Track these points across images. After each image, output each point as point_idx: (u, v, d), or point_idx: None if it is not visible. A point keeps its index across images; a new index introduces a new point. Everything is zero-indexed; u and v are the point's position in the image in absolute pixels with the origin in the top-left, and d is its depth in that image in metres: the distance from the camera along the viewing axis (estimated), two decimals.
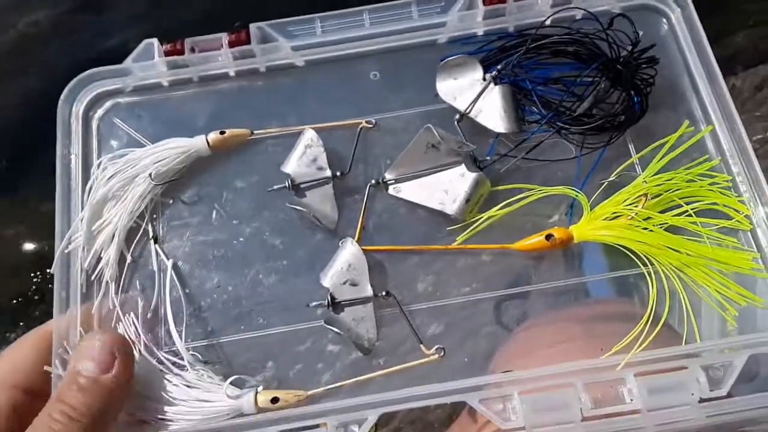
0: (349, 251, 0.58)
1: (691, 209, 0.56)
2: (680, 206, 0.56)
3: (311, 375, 0.58)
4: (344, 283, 0.58)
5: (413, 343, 0.58)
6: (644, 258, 0.55)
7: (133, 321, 0.59)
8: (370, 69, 0.68)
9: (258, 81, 0.69)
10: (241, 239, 0.63)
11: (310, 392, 0.55)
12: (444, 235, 0.61)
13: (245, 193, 0.64)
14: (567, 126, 0.62)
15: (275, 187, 0.62)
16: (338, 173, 0.62)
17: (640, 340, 0.52)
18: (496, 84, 0.63)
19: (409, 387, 0.54)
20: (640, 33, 0.64)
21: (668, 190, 0.57)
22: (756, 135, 1.34)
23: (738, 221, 0.55)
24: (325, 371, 0.58)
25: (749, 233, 0.56)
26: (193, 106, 0.68)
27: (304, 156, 0.63)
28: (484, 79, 0.63)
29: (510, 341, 0.58)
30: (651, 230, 0.54)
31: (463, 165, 0.61)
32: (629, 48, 0.61)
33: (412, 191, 0.62)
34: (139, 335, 0.58)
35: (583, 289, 0.58)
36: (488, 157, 0.62)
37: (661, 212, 0.57)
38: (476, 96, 0.63)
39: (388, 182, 0.63)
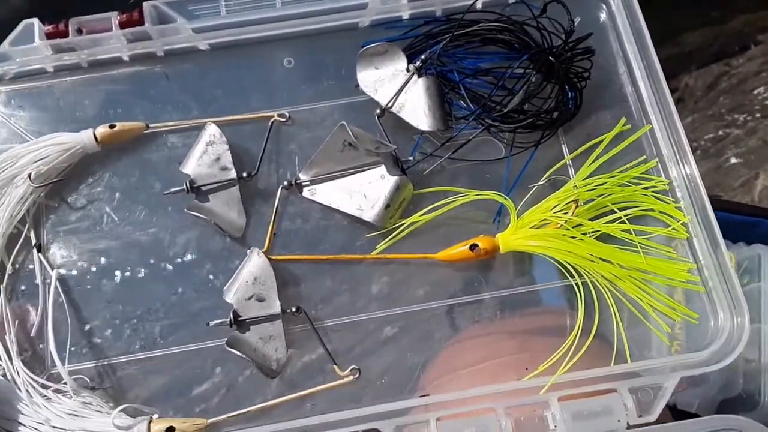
0: (254, 263, 0.52)
1: (625, 216, 0.52)
2: (614, 212, 0.52)
3: (212, 401, 0.52)
4: (250, 299, 0.52)
5: (327, 363, 0.52)
6: (575, 269, 0.51)
7: (12, 338, 0.52)
8: (283, 55, 0.61)
9: (155, 67, 0.61)
10: (136, 248, 0.56)
11: (210, 420, 0.50)
12: (363, 243, 0.55)
13: (140, 195, 0.57)
14: (497, 123, 0.56)
15: (172, 189, 0.55)
16: (245, 174, 0.55)
17: (566, 360, 0.48)
18: (420, 76, 0.57)
19: (321, 413, 0.49)
20: (577, 20, 0.59)
21: (601, 195, 0.52)
22: (708, 134, 1.33)
23: (674, 229, 0.51)
24: (229, 396, 0.52)
25: (686, 242, 0.52)
26: (82, 95, 0.60)
27: (206, 154, 0.56)
28: (408, 70, 0.57)
29: (440, 357, 0.54)
30: (580, 239, 0.50)
31: (383, 166, 0.55)
32: (563, 37, 0.56)
33: (328, 194, 0.56)
34: (11, 356, 0.51)
35: (524, 299, 0.54)
36: (411, 158, 0.57)
37: (593, 219, 0.52)
38: (399, 89, 0.57)
39: (303, 184, 0.56)
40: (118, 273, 0.55)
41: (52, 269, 0.55)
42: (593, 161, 0.54)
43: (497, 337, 0.54)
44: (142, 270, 0.55)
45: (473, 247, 0.51)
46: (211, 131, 0.56)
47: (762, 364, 0.75)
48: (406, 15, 0.61)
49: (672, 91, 1.41)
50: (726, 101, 1.35)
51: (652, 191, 0.53)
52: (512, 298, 0.53)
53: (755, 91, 1.36)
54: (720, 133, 1.31)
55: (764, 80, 1.37)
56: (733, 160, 1.28)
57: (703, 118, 1.34)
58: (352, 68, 0.59)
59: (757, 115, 1.33)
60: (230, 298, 0.52)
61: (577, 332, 0.49)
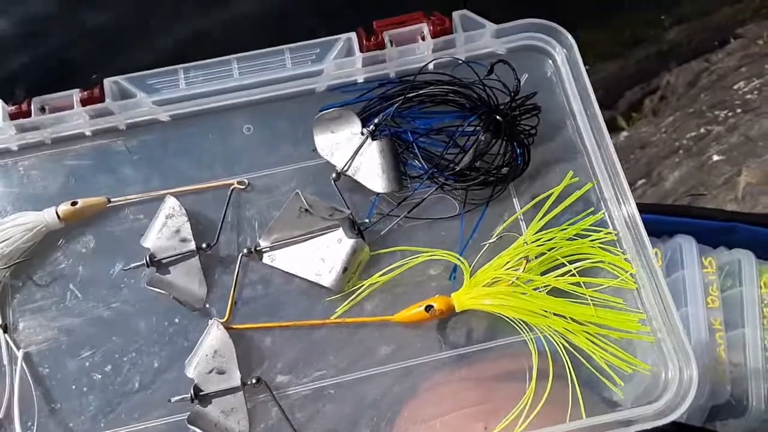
0: (214, 336, 0.53)
1: (575, 269, 0.53)
2: (565, 265, 0.53)
3: None
4: (210, 372, 0.52)
5: None
6: (528, 324, 0.52)
7: None
8: (243, 123, 0.62)
9: (117, 140, 0.62)
10: (100, 324, 0.56)
11: None
12: (324, 307, 0.56)
13: (103, 270, 0.58)
14: (450, 181, 0.58)
15: (132, 265, 0.56)
16: (204, 245, 0.57)
17: (523, 418, 0.49)
18: (374, 139, 0.58)
19: None
20: (524, 77, 0.61)
21: (552, 249, 0.54)
22: (690, 132, 1.33)
23: (623, 280, 0.53)
24: None
25: (635, 293, 0.53)
26: (46, 171, 0.61)
27: (166, 227, 0.57)
28: (362, 134, 0.59)
29: (403, 412, 0.54)
30: (531, 295, 0.51)
31: (340, 229, 0.56)
32: (512, 95, 0.58)
33: (287, 260, 0.57)
34: None
35: (482, 356, 0.54)
36: (368, 220, 0.58)
37: (545, 273, 0.54)
38: (353, 152, 0.58)
39: (263, 250, 0.58)
40: (82, 350, 0.55)
41: (18, 349, 0.56)
42: (543, 216, 0.55)
43: (459, 387, 0.55)
44: (106, 346, 0.55)
45: (428, 308, 0.52)
46: (170, 204, 0.57)
47: (748, 369, 0.76)
48: (360, 78, 0.63)
49: (654, 90, 1.40)
50: (707, 98, 1.36)
51: (600, 243, 0.54)
52: (470, 356, 0.54)
53: (735, 86, 1.37)
54: (702, 130, 1.32)
55: (744, 75, 1.38)
56: (716, 158, 1.29)
57: (684, 117, 1.35)
58: (309, 132, 0.60)
59: (738, 110, 1.34)
60: (191, 372, 0.52)
61: (531, 392, 0.50)
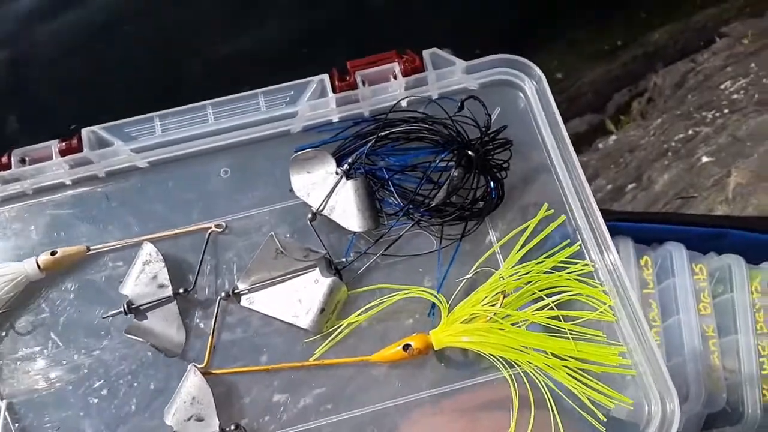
0: (192, 382, 0.53)
1: (553, 302, 0.52)
2: (542, 298, 0.53)
3: None
4: (189, 419, 0.52)
5: None
6: (506, 361, 0.51)
7: None
8: (220, 166, 0.63)
9: (97, 187, 0.63)
10: (82, 372, 0.56)
11: None
12: (303, 349, 0.56)
13: (83, 318, 0.58)
14: (426, 217, 0.58)
15: (110, 313, 0.56)
16: (182, 290, 0.57)
17: None
18: (348, 178, 0.59)
19: None
20: (497, 110, 0.61)
21: (529, 283, 0.53)
22: (678, 134, 1.32)
23: (602, 312, 0.52)
24: None
25: (614, 325, 0.53)
26: (28, 221, 0.62)
27: (143, 274, 0.57)
28: (337, 173, 0.59)
29: None
30: (507, 331, 0.50)
31: (317, 269, 0.56)
32: (484, 130, 0.58)
33: (265, 302, 0.57)
34: None
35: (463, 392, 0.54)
36: (344, 259, 0.58)
37: (522, 307, 0.53)
38: (328, 192, 0.59)
39: (241, 293, 0.58)
40: (63, 399, 0.55)
41: (2, 399, 0.55)
42: (519, 249, 0.55)
43: (442, 419, 0.54)
44: (87, 395, 0.55)
45: (406, 347, 0.52)
46: (147, 250, 0.57)
47: (743, 375, 0.74)
48: (335, 118, 0.63)
49: (641, 92, 1.40)
50: (694, 99, 1.36)
51: (577, 275, 0.54)
52: (451, 393, 0.53)
53: (722, 86, 1.37)
54: (690, 132, 1.32)
55: (730, 75, 1.38)
56: (705, 159, 1.28)
57: (672, 118, 1.34)
58: (286, 173, 0.60)
59: (725, 111, 1.33)
60: (170, 419, 0.52)
61: (515, 427, 0.49)
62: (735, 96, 1.36)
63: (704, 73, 1.40)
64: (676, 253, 0.79)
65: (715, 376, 0.75)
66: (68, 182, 0.63)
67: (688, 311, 0.76)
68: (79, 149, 0.61)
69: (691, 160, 1.29)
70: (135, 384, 0.56)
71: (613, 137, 1.36)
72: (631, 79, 1.41)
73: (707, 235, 0.84)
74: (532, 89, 0.62)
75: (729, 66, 1.40)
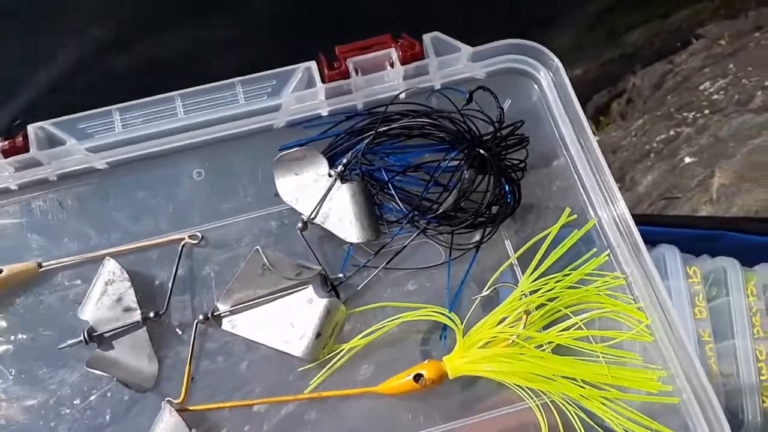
0: (167, 423, 0.45)
1: (581, 321, 0.46)
2: (568, 317, 0.47)
3: None
4: None
5: None
6: (531, 389, 0.45)
7: None
8: (192, 167, 0.55)
9: (49, 193, 0.54)
10: (34, 411, 0.48)
11: None
12: (297, 377, 0.49)
13: (36, 347, 0.50)
14: (433, 225, 0.51)
15: (68, 342, 0.48)
16: (152, 314, 0.49)
17: None
18: (343, 181, 0.52)
19: None
20: (508, 103, 0.55)
21: (552, 299, 0.47)
22: (660, 135, 1.31)
23: (638, 332, 0.46)
24: None
25: (651, 346, 0.47)
26: None
27: (105, 295, 0.49)
28: (330, 176, 0.52)
29: None
30: (531, 356, 0.44)
31: (310, 287, 0.49)
32: (497, 125, 0.51)
33: (250, 326, 0.49)
34: None
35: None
36: (341, 274, 0.51)
37: (546, 327, 0.47)
38: (321, 198, 0.51)
39: (222, 315, 0.50)
40: None
41: None
42: (539, 261, 0.48)
43: None
44: None
45: (418, 377, 0.45)
46: (109, 268, 0.49)
47: (742, 382, 0.71)
48: (324, 112, 0.56)
49: (620, 93, 1.40)
50: (674, 100, 1.35)
51: (608, 289, 0.48)
52: (467, 426, 0.47)
53: (701, 87, 1.35)
54: (671, 132, 1.30)
55: (708, 75, 1.37)
56: (688, 160, 1.27)
57: (653, 119, 1.33)
58: (269, 174, 0.53)
59: (706, 111, 1.32)
60: None
61: None
62: (715, 96, 1.36)
63: (683, 74, 1.40)
64: (670, 255, 0.75)
65: (713, 383, 0.72)
66: (14, 187, 0.54)
67: (684, 316, 0.72)
68: (25, 149, 0.52)
69: (673, 161, 1.28)
70: (100, 422, 0.48)
71: (595, 138, 1.34)
72: (610, 81, 1.39)
73: (698, 237, 0.82)
74: (548, 80, 0.55)
75: (707, 67, 1.40)
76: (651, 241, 0.81)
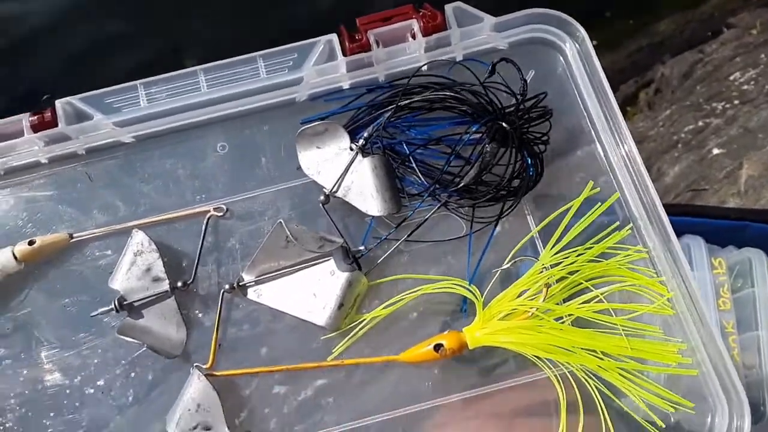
0: (196, 387, 0.47)
1: (602, 294, 0.46)
2: (589, 289, 0.47)
3: None
4: (195, 428, 0.46)
5: None
6: (549, 360, 0.46)
7: None
8: (216, 141, 0.56)
9: (77, 166, 0.55)
10: (68, 375, 0.50)
11: None
12: (320, 345, 0.50)
13: (70, 314, 0.52)
14: (454, 198, 0.51)
15: (100, 311, 0.50)
16: (180, 283, 0.50)
17: None
18: (365, 155, 0.52)
19: None
20: (531, 74, 0.54)
21: (573, 273, 0.47)
22: (688, 125, 1.29)
23: (659, 305, 0.46)
24: None
25: (673, 319, 0.47)
26: (0, 206, 0.55)
27: (135, 266, 0.50)
28: (351, 149, 0.52)
29: None
30: (551, 328, 0.45)
31: (332, 260, 0.50)
32: (518, 98, 0.51)
33: (275, 296, 0.51)
34: None
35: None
36: (363, 247, 0.51)
37: (566, 300, 0.47)
38: (342, 171, 0.52)
39: (247, 285, 0.51)
40: (50, 404, 0.49)
41: None
42: (561, 234, 0.48)
43: (475, 425, 0.49)
44: (76, 400, 0.49)
45: (438, 347, 0.46)
46: (138, 239, 0.50)
47: (764, 374, 0.71)
48: (346, 85, 0.56)
49: (648, 83, 1.38)
50: (703, 90, 1.33)
51: (630, 263, 0.48)
52: (485, 395, 0.48)
53: (731, 77, 1.33)
54: (700, 123, 1.28)
55: (739, 65, 1.34)
56: (716, 151, 1.25)
57: (681, 110, 1.31)
58: (292, 148, 0.53)
59: (736, 102, 1.30)
60: (173, 429, 0.46)
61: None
62: (745, 87, 1.33)
63: (713, 64, 1.36)
64: (695, 246, 0.74)
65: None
66: (44, 161, 0.55)
67: (708, 307, 0.71)
68: (54, 124, 0.53)
69: (701, 152, 1.26)
70: (131, 388, 0.50)
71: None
72: (638, 70, 1.37)
73: (725, 228, 0.80)
74: (574, 51, 0.54)
75: (738, 57, 1.36)
76: (676, 232, 0.80)
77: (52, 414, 0.49)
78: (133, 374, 0.50)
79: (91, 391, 0.50)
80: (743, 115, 1.28)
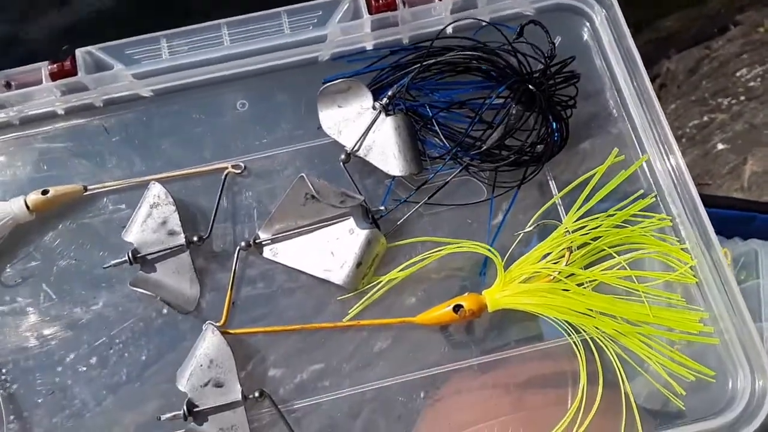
0: (209, 343, 0.46)
1: (625, 261, 0.46)
2: (612, 256, 0.46)
3: None
4: (206, 385, 0.45)
5: None
6: (572, 325, 0.45)
7: None
8: (236, 98, 0.55)
9: (94, 119, 0.55)
10: (77, 329, 0.49)
11: None
12: (335, 306, 0.49)
13: (80, 267, 0.51)
14: (476, 162, 0.51)
15: (112, 262, 0.49)
16: (196, 238, 0.49)
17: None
18: (388, 114, 0.51)
19: None
20: (557, 40, 0.53)
21: (596, 239, 0.47)
22: (693, 120, 1.30)
23: (682, 273, 0.46)
24: None
25: (695, 287, 0.46)
26: (14, 156, 0.54)
27: (150, 218, 0.49)
28: (374, 108, 0.51)
29: (423, 419, 0.48)
30: (573, 292, 0.44)
31: (351, 218, 0.49)
32: (546, 61, 0.50)
33: (291, 254, 0.50)
34: None
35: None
36: (382, 207, 0.51)
37: (588, 266, 0.47)
38: (364, 130, 0.51)
39: (263, 243, 0.50)
40: (57, 359, 0.49)
41: None
42: (585, 200, 0.48)
43: (489, 394, 0.48)
44: (85, 355, 0.49)
45: (457, 308, 0.45)
46: (155, 191, 0.50)
47: None
48: (369, 45, 0.55)
49: (654, 78, 1.38)
50: (709, 85, 1.32)
51: (653, 230, 0.47)
52: (503, 361, 0.47)
53: (737, 74, 1.33)
54: (705, 118, 1.28)
55: (746, 62, 1.34)
56: (720, 146, 1.25)
57: (686, 104, 1.31)
58: (313, 107, 0.53)
59: (742, 98, 1.30)
60: (183, 385, 0.45)
61: (581, 400, 0.43)
62: (752, 83, 1.33)
63: (719, 60, 1.36)
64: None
65: None
66: (60, 111, 0.54)
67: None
68: (73, 72, 0.52)
69: (706, 147, 1.26)
70: (141, 343, 0.49)
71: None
72: (644, 65, 1.38)
73: (732, 219, 0.80)
74: (601, 17, 0.53)
75: (745, 53, 1.36)
76: None
77: (49, 372, 0.48)
78: (141, 331, 0.49)
79: (97, 347, 0.49)
80: (749, 111, 1.28)
